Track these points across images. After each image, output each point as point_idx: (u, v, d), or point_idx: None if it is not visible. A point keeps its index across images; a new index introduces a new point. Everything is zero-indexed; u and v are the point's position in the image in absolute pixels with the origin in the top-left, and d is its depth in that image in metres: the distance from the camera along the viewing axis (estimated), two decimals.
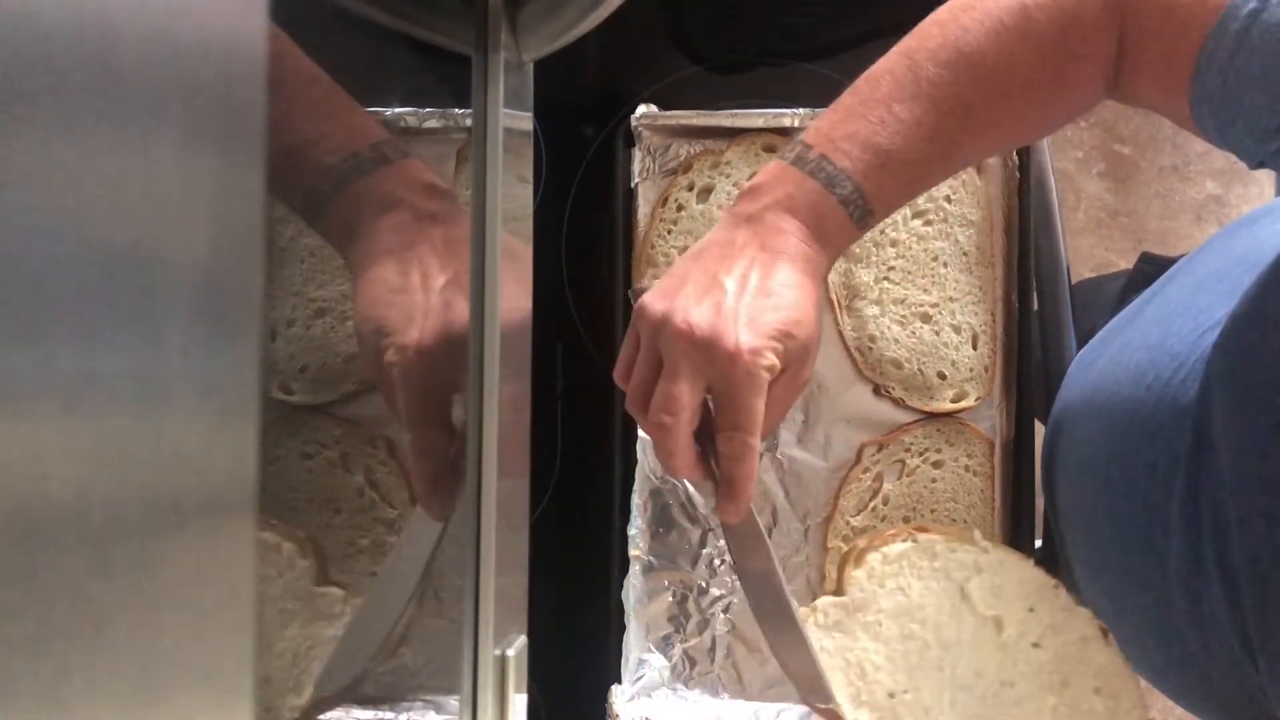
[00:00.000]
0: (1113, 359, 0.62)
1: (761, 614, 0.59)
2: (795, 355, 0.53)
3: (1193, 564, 0.50)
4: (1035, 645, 0.64)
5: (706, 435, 0.55)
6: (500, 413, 0.48)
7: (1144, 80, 0.55)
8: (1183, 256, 0.68)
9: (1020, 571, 0.65)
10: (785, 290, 0.53)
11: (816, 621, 0.65)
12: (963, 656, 0.64)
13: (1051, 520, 0.71)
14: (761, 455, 0.72)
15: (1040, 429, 0.73)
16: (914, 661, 0.64)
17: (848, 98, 0.57)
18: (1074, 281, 0.80)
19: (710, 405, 0.55)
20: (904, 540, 0.66)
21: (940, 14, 0.57)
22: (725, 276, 0.53)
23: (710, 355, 0.51)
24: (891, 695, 0.63)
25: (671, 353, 0.52)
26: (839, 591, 0.66)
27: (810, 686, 0.60)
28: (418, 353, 0.53)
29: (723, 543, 0.72)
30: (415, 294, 0.55)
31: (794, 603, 0.60)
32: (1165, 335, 0.56)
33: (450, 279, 0.55)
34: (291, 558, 0.65)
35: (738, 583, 0.71)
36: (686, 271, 0.55)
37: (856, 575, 0.65)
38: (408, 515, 0.62)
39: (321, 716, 0.69)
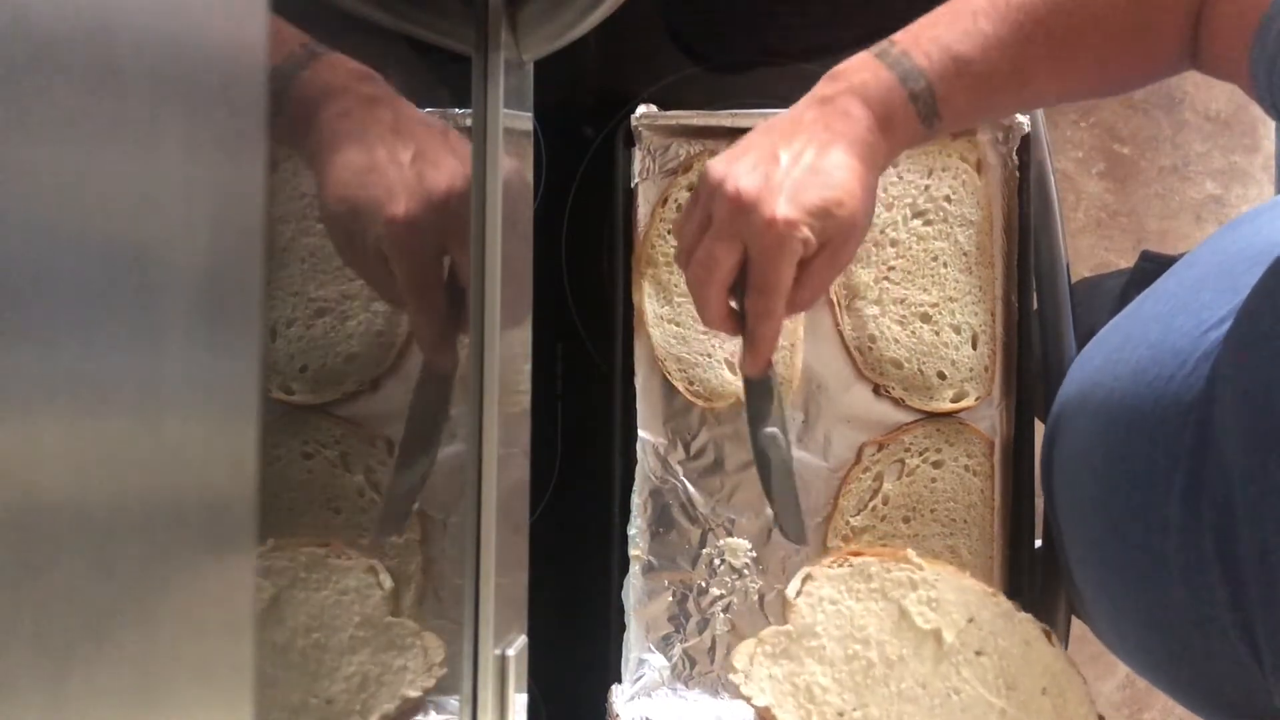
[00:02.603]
0: (1112, 356, 0.62)
1: (763, 463, 0.65)
2: (834, 234, 0.56)
3: (1193, 561, 0.50)
4: (978, 653, 0.66)
5: (740, 293, 0.59)
6: (501, 410, 0.48)
7: (1214, 39, 0.55)
8: (1184, 255, 0.68)
9: (957, 583, 0.67)
10: (835, 170, 0.55)
11: (764, 651, 0.68)
12: (907, 671, 0.66)
13: (1050, 519, 0.71)
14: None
15: (1040, 429, 0.73)
16: (860, 680, 0.66)
17: (942, 8, 0.59)
18: (1074, 281, 0.80)
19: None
20: (840, 565, 0.68)
21: None
22: (783, 150, 0.56)
23: (749, 220, 0.55)
24: (841, 715, 0.66)
25: (718, 214, 0.56)
26: (783, 621, 0.68)
27: (791, 526, 0.67)
28: (406, 223, 0.55)
29: (722, 542, 0.72)
30: (386, 170, 0.56)
31: (793, 457, 0.66)
32: (1166, 332, 0.56)
33: (414, 154, 0.57)
34: (369, 587, 0.66)
35: (744, 581, 0.71)
36: (752, 142, 0.59)
37: (798, 604, 0.68)
38: (419, 376, 0.64)
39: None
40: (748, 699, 0.66)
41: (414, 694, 0.65)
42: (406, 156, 0.57)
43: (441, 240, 0.57)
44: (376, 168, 0.56)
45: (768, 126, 0.60)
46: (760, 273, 0.56)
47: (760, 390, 0.64)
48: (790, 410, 0.72)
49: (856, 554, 0.69)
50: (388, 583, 0.67)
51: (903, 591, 0.67)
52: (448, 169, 0.57)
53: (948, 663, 0.65)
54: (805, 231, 0.54)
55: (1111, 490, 0.58)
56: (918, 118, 0.58)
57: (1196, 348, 0.52)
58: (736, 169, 0.56)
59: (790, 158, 0.56)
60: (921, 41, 0.58)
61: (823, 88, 0.59)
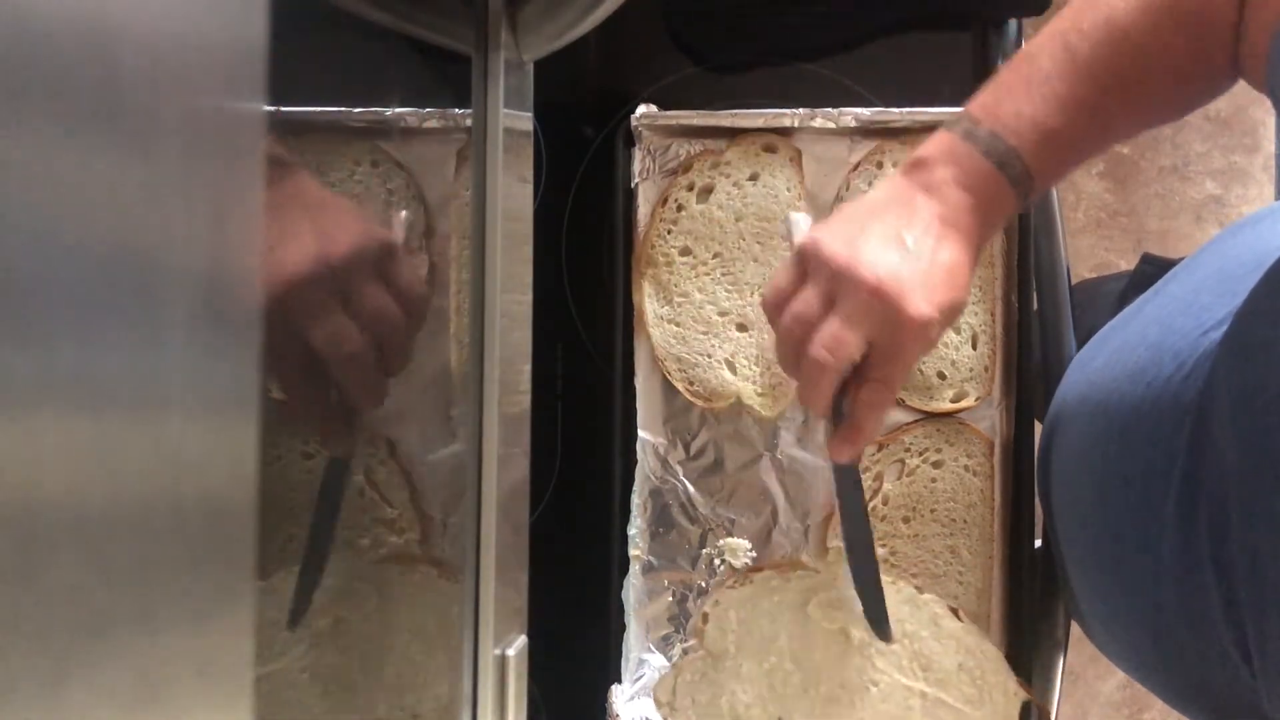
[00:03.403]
0: (1111, 358, 0.62)
1: (851, 549, 0.64)
2: (948, 326, 0.57)
3: (1188, 563, 0.50)
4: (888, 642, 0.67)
5: (846, 379, 0.58)
6: (500, 411, 0.48)
7: (1248, 46, 0.56)
8: (1184, 258, 0.68)
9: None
10: (958, 268, 0.56)
11: (683, 681, 0.69)
12: (824, 674, 0.67)
13: (1046, 521, 0.71)
14: (762, 455, 0.72)
15: (1040, 430, 0.73)
16: (780, 690, 0.67)
17: (1007, 74, 0.58)
18: (1074, 282, 0.80)
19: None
20: (739, 586, 0.69)
21: None
22: (910, 239, 0.55)
23: (890, 313, 0.54)
24: None
25: (851, 299, 0.55)
26: (698, 649, 0.69)
27: (877, 623, 0.65)
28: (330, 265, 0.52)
29: (722, 542, 0.72)
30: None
31: (875, 545, 0.64)
32: (1165, 334, 0.56)
33: (285, 231, 0.53)
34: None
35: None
36: (867, 223, 0.57)
37: (708, 630, 0.69)
38: (323, 464, 0.63)
39: None
40: None
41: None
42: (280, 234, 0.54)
43: (293, 327, 0.53)
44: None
45: (873, 209, 0.58)
46: (888, 365, 0.56)
47: (848, 478, 0.63)
48: (791, 412, 0.72)
49: (756, 570, 0.70)
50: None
51: (805, 597, 0.68)
52: (295, 240, 0.53)
53: (860, 657, 0.66)
54: (938, 329, 0.55)
55: (1108, 491, 0.58)
56: (1016, 199, 0.57)
57: (1195, 350, 0.52)
58: (867, 254, 0.55)
59: (916, 246, 0.55)
60: (1004, 117, 0.57)
61: (919, 175, 0.58)
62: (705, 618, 0.69)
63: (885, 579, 0.67)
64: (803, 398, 0.59)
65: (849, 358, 0.55)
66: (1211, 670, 0.51)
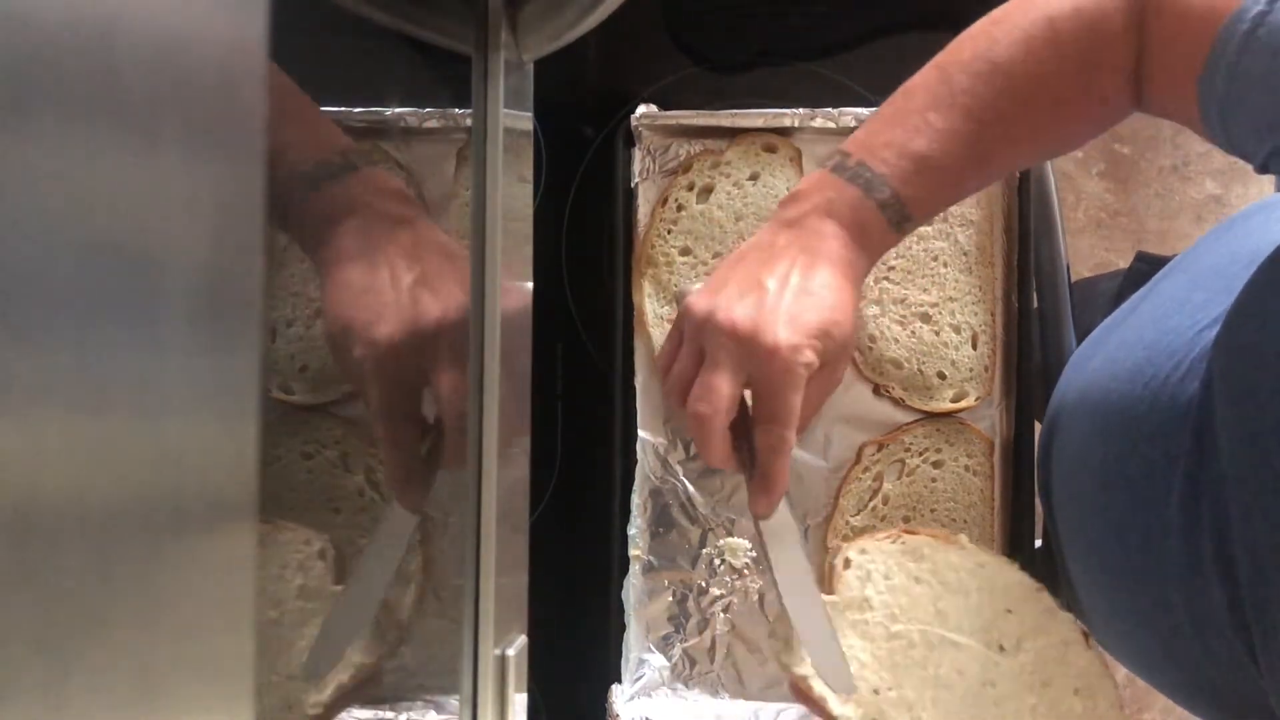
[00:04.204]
0: (1108, 357, 0.62)
1: (791, 604, 0.60)
2: (831, 354, 0.56)
3: (1192, 563, 0.50)
4: (1016, 647, 0.65)
5: (744, 429, 0.57)
6: (500, 410, 0.48)
7: (1160, 87, 0.56)
8: (1178, 255, 0.68)
9: (1003, 572, 0.66)
10: (825, 291, 0.55)
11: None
12: (946, 656, 0.65)
13: (1046, 519, 0.71)
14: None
15: (1040, 429, 0.73)
16: (899, 659, 0.65)
17: (885, 109, 0.59)
18: (1073, 281, 0.81)
19: (748, 400, 0.57)
20: (893, 542, 0.67)
21: (972, 29, 0.58)
22: (767, 277, 0.56)
23: (751, 350, 0.54)
24: (876, 692, 0.64)
25: (713, 346, 0.55)
26: (829, 591, 0.66)
27: (834, 675, 0.61)
28: (388, 348, 0.55)
29: (722, 542, 0.72)
30: (383, 293, 0.56)
31: (820, 593, 0.61)
32: (1162, 333, 0.56)
33: (417, 278, 0.57)
34: (309, 559, 0.65)
35: (744, 581, 0.71)
36: (729, 274, 0.58)
37: (847, 576, 0.66)
38: (384, 509, 0.62)
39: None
40: (786, 666, 0.65)
41: (368, 660, 0.64)
42: (409, 279, 0.56)
43: (423, 370, 0.56)
44: (374, 289, 0.56)
45: (738, 256, 0.59)
46: (769, 403, 0.55)
47: (777, 531, 0.60)
48: None
49: (911, 532, 0.67)
50: (329, 551, 0.65)
51: (957, 576, 0.66)
52: (446, 296, 0.56)
53: (988, 655, 0.65)
54: (809, 355, 0.54)
55: (1110, 492, 0.58)
56: (889, 225, 0.57)
57: (1191, 349, 0.52)
58: (723, 300, 0.55)
59: (777, 282, 0.55)
60: (875, 149, 0.57)
61: (786, 211, 0.58)
62: (846, 562, 0.66)
63: (1032, 586, 0.65)
64: (702, 454, 0.58)
65: (723, 404, 0.54)
66: (1218, 668, 0.51)
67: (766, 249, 0.58)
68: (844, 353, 0.57)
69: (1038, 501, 0.72)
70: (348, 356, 0.56)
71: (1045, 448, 0.70)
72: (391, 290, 0.56)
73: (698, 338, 0.56)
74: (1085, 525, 0.63)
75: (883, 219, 0.57)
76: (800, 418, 0.55)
